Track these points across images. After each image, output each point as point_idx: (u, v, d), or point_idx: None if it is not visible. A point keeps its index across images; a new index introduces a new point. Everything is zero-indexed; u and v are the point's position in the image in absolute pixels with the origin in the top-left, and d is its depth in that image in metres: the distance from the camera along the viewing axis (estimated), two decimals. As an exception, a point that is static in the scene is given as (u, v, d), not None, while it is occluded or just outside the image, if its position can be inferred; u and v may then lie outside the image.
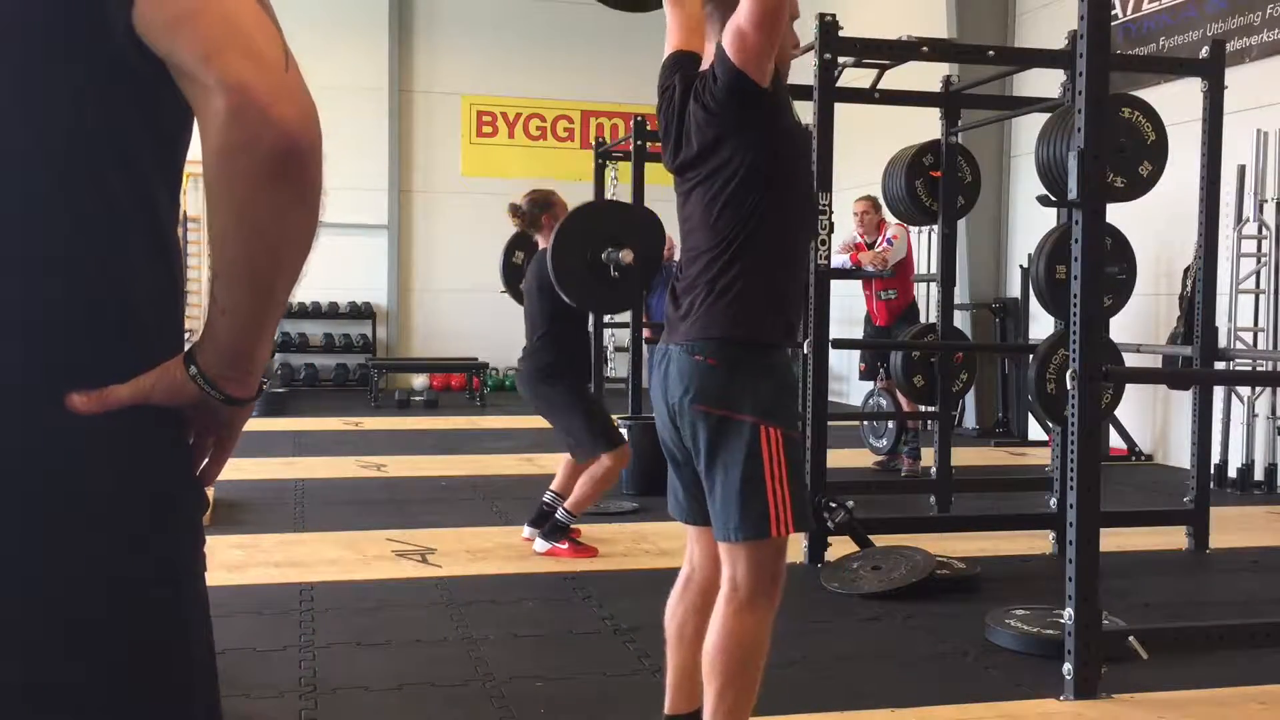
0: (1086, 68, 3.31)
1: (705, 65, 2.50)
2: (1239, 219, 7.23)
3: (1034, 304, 7.08)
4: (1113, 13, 7.13)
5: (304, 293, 12.79)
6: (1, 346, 1.05)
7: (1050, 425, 5.87)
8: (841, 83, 5.24)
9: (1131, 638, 3.41)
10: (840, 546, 4.84)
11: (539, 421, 5.36)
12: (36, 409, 1.05)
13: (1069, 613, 3.29)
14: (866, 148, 8.57)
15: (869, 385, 7.97)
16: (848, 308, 9.31)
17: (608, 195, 8.95)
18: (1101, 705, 3.23)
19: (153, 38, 1.04)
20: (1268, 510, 6.50)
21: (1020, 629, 3.77)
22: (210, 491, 1.24)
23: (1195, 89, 5.11)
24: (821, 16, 4.85)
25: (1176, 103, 6.34)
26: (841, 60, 5.17)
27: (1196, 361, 5.25)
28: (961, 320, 9.14)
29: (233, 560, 4.84)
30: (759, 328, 2.41)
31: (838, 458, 6.10)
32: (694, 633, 2.55)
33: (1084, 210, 3.31)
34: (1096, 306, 3.36)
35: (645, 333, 8.70)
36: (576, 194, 5.84)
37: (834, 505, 4.83)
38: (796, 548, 4.84)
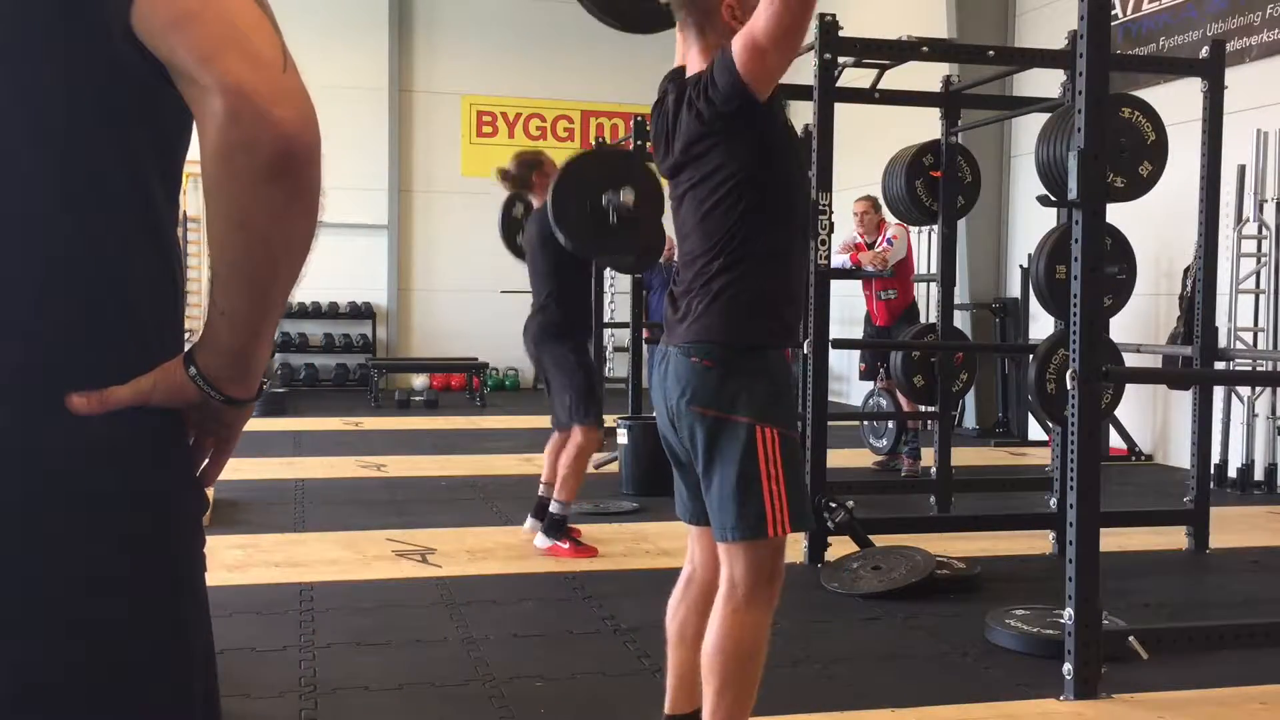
0: (1086, 68, 3.31)
1: (691, 69, 2.50)
2: (1239, 219, 7.23)
3: (1034, 304, 7.08)
4: (1113, 13, 7.13)
5: (304, 293, 12.80)
6: (1, 347, 1.05)
7: (1050, 425, 5.87)
8: (841, 83, 5.24)
9: (1131, 638, 3.41)
10: (840, 546, 4.84)
11: (539, 421, 5.37)
12: (36, 409, 1.05)
13: (1069, 613, 3.29)
14: (866, 148, 8.57)
15: (869, 385, 7.97)
16: (848, 308, 9.31)
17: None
18: (1101, 705, 3.23)
19: (152, 39, 1.04)
20: (1268, 510, 6.50)
21: (1020, 629, 3.77)
22: (210, 491, 1.24)
23: (1195, 89, 5.11)
24: (821, 16, 4.85)
25: (1176, 103, 6.33)
26: (841, 60, 5.17)
27: (1196, 361, 5.25)
28: (961, 320, 9.14)
29: (233, 560, 4.84)
30: (754, 330, 2.41)
31: (838, 458, 6.10)
32: (694, 633, 2.55)
33: (1084, 210, 3.31)
34: (1096, 306, 3.36)
35: (645, 333, 8.72)
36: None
37: (834, 505, 4.83)
38: (796, 548, 4.84)
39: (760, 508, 2.35)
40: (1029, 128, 8.22)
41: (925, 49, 5.22)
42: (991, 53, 5.54)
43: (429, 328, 13.70)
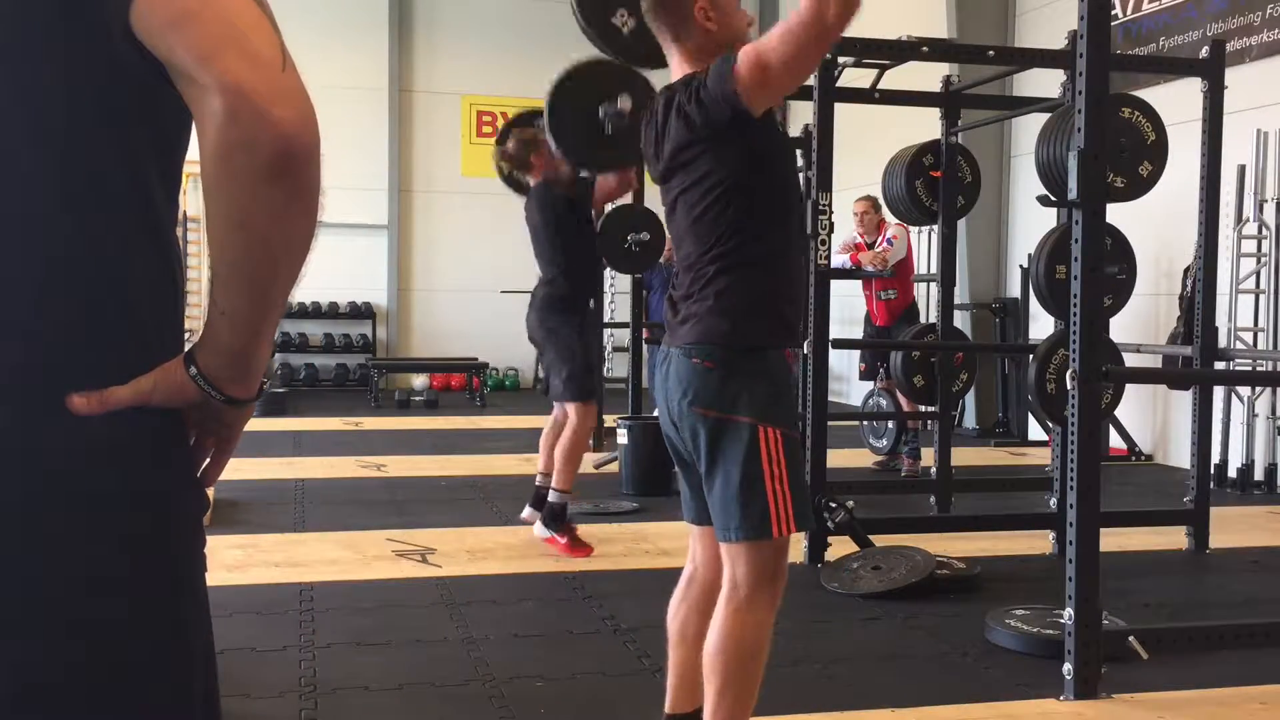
0: (1086, 68, 3.31)
1: (675, 74, 2.50)
2: (1239, 219, 7.23)
3: (1034, 304, 7.08)
4: (1113, 13, 7.13)
5: (304, 293, 12.79)
6: (1, 346, 1.05)
7: (1050, 425, 5.87)
8: (841, 83, 5.24)
9: (1131, 638, 3.41)
10: (840, 546, 4.84)
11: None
12: (36, 409, 1.05)
13: (1069, 613, 3.29)
14: (866, 148, 8.57)
15: (869, 385, 7.97)
16: (848, 308, 9.31)
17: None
18: (1101, 705, 3.23)
19: (151, 39, 1.04)
20: (1268, 510, 6.50)
21: (1020, 629, 3.77)
22: (210, 491, 1.24)
23: (1195, 89, 5.11)
24: (821, 16, 4.84)
25: (1176, 103, 6.33)
26: (841, 60, 5.17)
27: (1196, 361, 5.25)
28: (961, 320, 9.14)
29: (233, 560, 4.84)
30: (754, 331, 2.41)
31: (838, 458, 6.10)
32: (695, 632, 2.55)
33: (1084, 210, 3.31)
34: (1096, 306, 3.36)
35: (645, 333, 8.72)
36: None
37: (834, 505, 4.83)
38: (797, 548, 4.84)
39: (764, 508, 2.35)
40: (1029, 128, 8.22)
41: (925, 49, 5.22)
42: (991, 53, 5.54)
43: (429, 328, 13.70)
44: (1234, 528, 5.74)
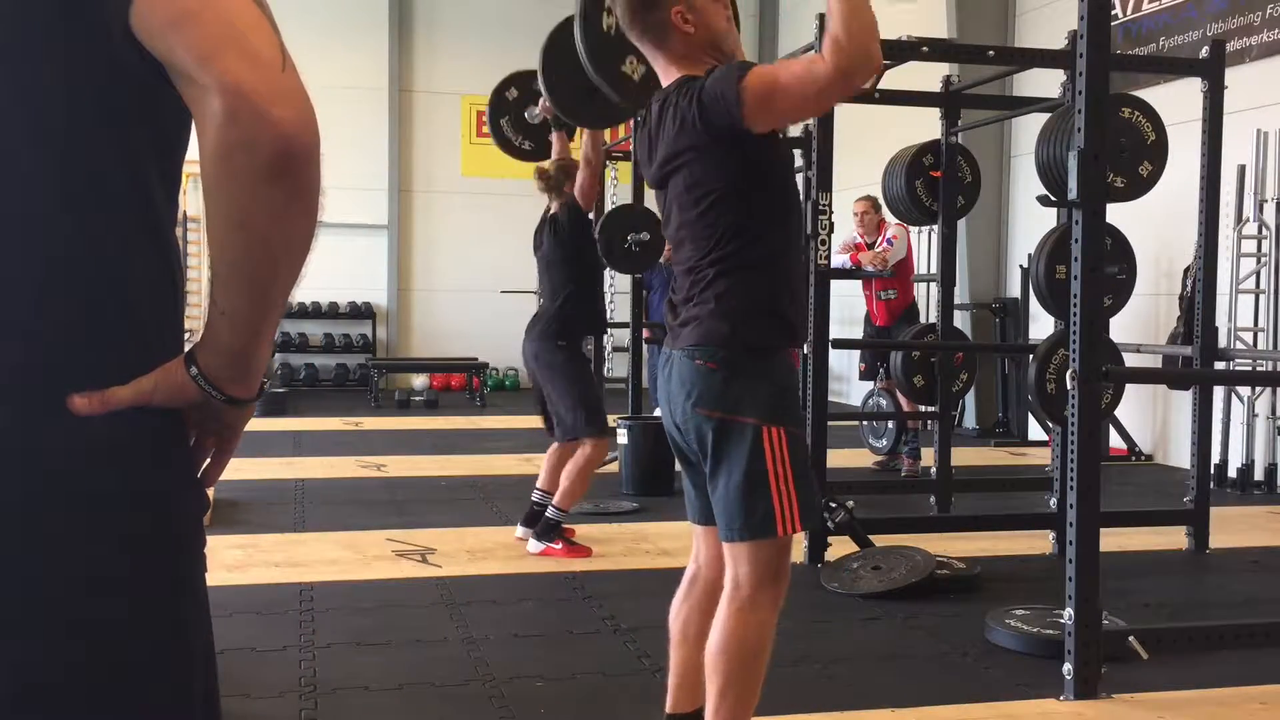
0: (1086, 68, 3.31)
1: (665, 80, 2.50)
2: (1239, 219, 7.23)
3: (1034, 304, 7.08)
4: (1113, 13, 7.13)
5: (304, 293, 12.79)
6: (1, 347, 1.05)
7: (1050, 425, 5.87)
8: (842, 83, 5.22)
9: (1131, 638, 3.41)
10: (840, 546, 4.84)
11: (539, 421, 5.36)
12: (36, 409, 1.05)
13: (1069, 613, 3.29)
14: (866, 148, 8.57)
15: (869, 385, 7.97)
16: (848, 308, 9.30)
17: (608, 195, 8.96)
18: (1101, 705, 3.23)
19: (150, 39, 1.04)
20: (1268, 510, 6.50)
21: (1020, 629, 3.77)
22: (210, 491, 1.24)
23: (1195, 89, 5.11)
24: (821, 16, 4.84)
25: (1176, 103, 6.33)
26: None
27: (1196, 361, 5.25)
28: (961, 320, 9.14)
29: (233, 560, 4.84)
30: (756, 333, 2.41)
31: (838, 458, 6.10)
32: (697, 632, 2.55)
33: (1084, 210, 3.31)
34: (1096, 306, 3.36)
35: (645, 333, 8.72)
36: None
37: (834, 505, 4.83)
38: (797, 548, 4.82)
39: (768, 508, 2.35)
40: (1029, 128, 8.22)
41: (925, 49, 5.21)
42: (991, 53, 5.54)
43: (429, 328, 13.70)
44: (1234, 528, 5.74)
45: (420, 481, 7.11)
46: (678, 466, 2.65)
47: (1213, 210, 5.09)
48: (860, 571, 4.56)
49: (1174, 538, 5.31)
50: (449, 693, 3.32)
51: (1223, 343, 6.47)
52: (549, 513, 5.01)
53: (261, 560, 4.91)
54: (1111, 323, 5.46)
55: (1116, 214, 4.19)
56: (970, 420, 9.79)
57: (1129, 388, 5.71)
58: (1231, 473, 7.14)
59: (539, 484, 5.17)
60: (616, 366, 12.44)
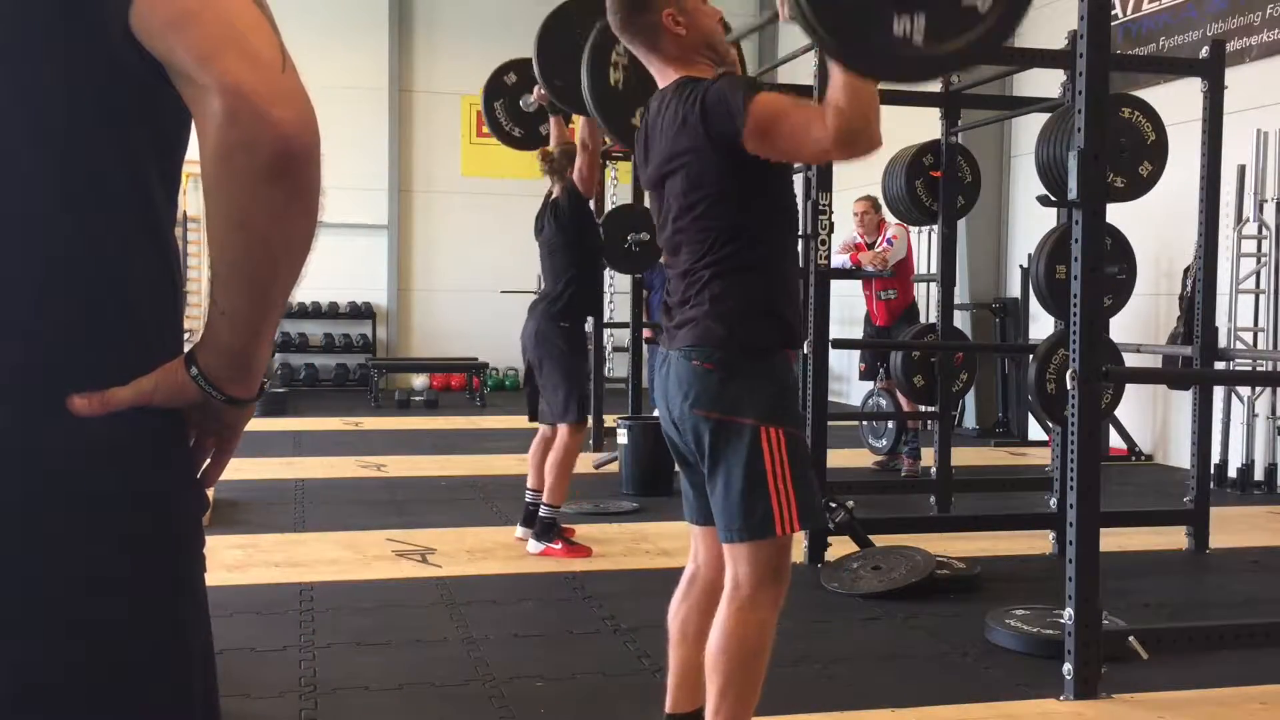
0: (1086, 68, 3.31)
1: (662, 82, 2.50)
2: (1239, 219, 7.23)
3: (1034, 304, 7.08)
4: (1113, 13, 7.13)
5: (304, 293, 12.78)
6: (1, 347, 1.05)
7: (1050, 425, 5.87)
8: (842, 82, 5.22)
9: (1131, 638, 3.41)
10: (840, 546, 4.84)
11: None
12: (36, 409, 1.05)
13: (1069, 613, 3.29)
14: (866, 148, 8.55)
15: (869, 385, 7.97)
16: (848, 308, 9.30)
17: (608, 195, 8.96)
18: (1101, 705, 3.23)
19: (150, 39, 1.04)
20: (1268, 510, 6.50)
21: (1020, 629, 3.77)
22: (210, 492, 1.24)
23: (1195, 89, 5.11)
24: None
25: (1176, 103, 6.33)
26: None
27: (1196, 361, 5.25)
28: (961, 320, 9.14)
29: (233, 560, 4.84)
30: (753, 334, 2.40)
31: (838, 458, 6.10)
32: (696, 632, 2.55)
33: (1084, 210, 3.31)
34: (1096, 306, 3.36)
35: (645, 332, 8.73)
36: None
37: (834, 505, 4.83)
38: (797, 548, 4.83)
39: (767, 508, 2.35)
40: (1029, 128, 8.22)
41: (925, 49, 5.21)
42: (991, 53, 5.53)
43: (429, 328, 13.69)
44: (1234, 528, 5.74)
45: (420, 481, 7.11)
46: (677, 467, 2.65)
47: (1213, 210, 5.09)
48: (860, 571, 4.56)
49: (1174, 538, 5.31)
50: (449, 693, 3.32)
51: (1223, 343, 6.47)
52: (542, 512, 5.02)
53: (261, 560, 4.90)
54: (1111, 323, 5.46)
55: (1116, 214, 4.19)
56: (970, 420, 9.79)
57: (1129, 388, 5.71)
58: (1231, 473, 7.14)
59: (529, 484, 5.20)
60: (617, 366, 12.45)
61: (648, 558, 5.06)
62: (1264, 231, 7.21)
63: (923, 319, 7.76)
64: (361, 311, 13.42)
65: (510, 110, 5.75)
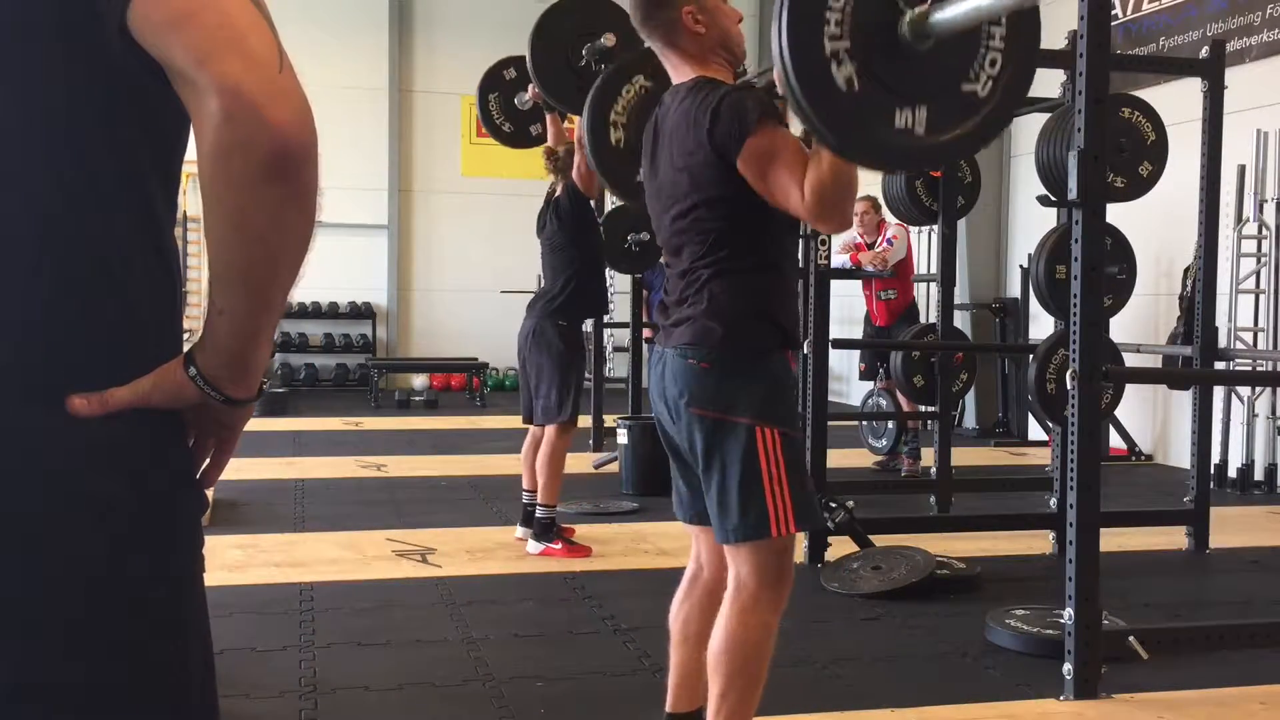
0: (1086, 68, 3.31)
1: (676, 79, 2.51)
2: (1239, 219, 7.23)
3: (1034, 304, 7.08)
4: (1113, 13, 7.13)
5: (304, 293, 12.79)
6: (0, 347, 1.05)
7: (1050, 425, 5.87)
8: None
9: (1131, 638, 3.41)
10: (840, 546, 4.84)
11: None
12: (36, 410, 1.05)
13: (1069, 613, 3.29)
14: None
15: (869, 385, 7.97)
16: (848, 308, 9.31)
17: (608, 196, 8.92)
18: (1101, 705, 3.23)
19: (148, 39, 1.04)
20: (1268, 510, 6.50)
21: (1020, 629, 3.76)
22: (210, 492, 1.24)
23: (1195, 89, 5.10)
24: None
25: (1176, 103, 6.33)
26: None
27: (1196, 361, 5.25)
28: (961, 320, 9.14)
29: (233, 560, 4.83)
30: (750, 335, 2.40)
31: (838, 458, 6.10)
32: (697, 632, 2.55)
33: (1084, 210, 3.31)
34: (1096, 306, 3.36)
35: (645, 332, 8.72)
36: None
37: (834, 505, 4.83)
38: (797, 548, 4.83)
39: (762, 508, 2.35)
40: (1029, 128, 8.21)
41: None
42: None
43: (429, 328, 13.70)
44: (1234, 528, 5.74)
45: (420, 481, 7.11)
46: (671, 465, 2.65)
47: (1213, 210, 5.09)
48: (860, 571, 4.56)
49: (1174, 538, 5.31)
50: (449, 693, 3.31)
51: (1223, 343, 6.47)
52: (538, 512, 5.02)
53: (261, 560, 4.90)
54: (1111, 323, 5.46)
55: (1116, 214, 4.19)
56: (970, 420, 9.79)
57: (1129, 388, 5.71)
58: (1231, 473, 7.14)
59: (525, 485, 5.21)
60: (617, 366, 12.45)
61: (648, 558, 5.06)
62: (1264, 231, 7.21)
63: (923, 319, 7.76)
64: (361, 311, 13.42)
65: (503, 105, 5.76)
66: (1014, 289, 9.78)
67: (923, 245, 9.63)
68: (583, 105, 4.12)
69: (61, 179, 1.07)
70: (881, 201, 6.80)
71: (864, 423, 8.09)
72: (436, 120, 13.66)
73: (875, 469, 7.70)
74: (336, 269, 12.53)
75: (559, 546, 4.98)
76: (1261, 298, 7.25)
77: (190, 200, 9.12)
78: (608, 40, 4.41)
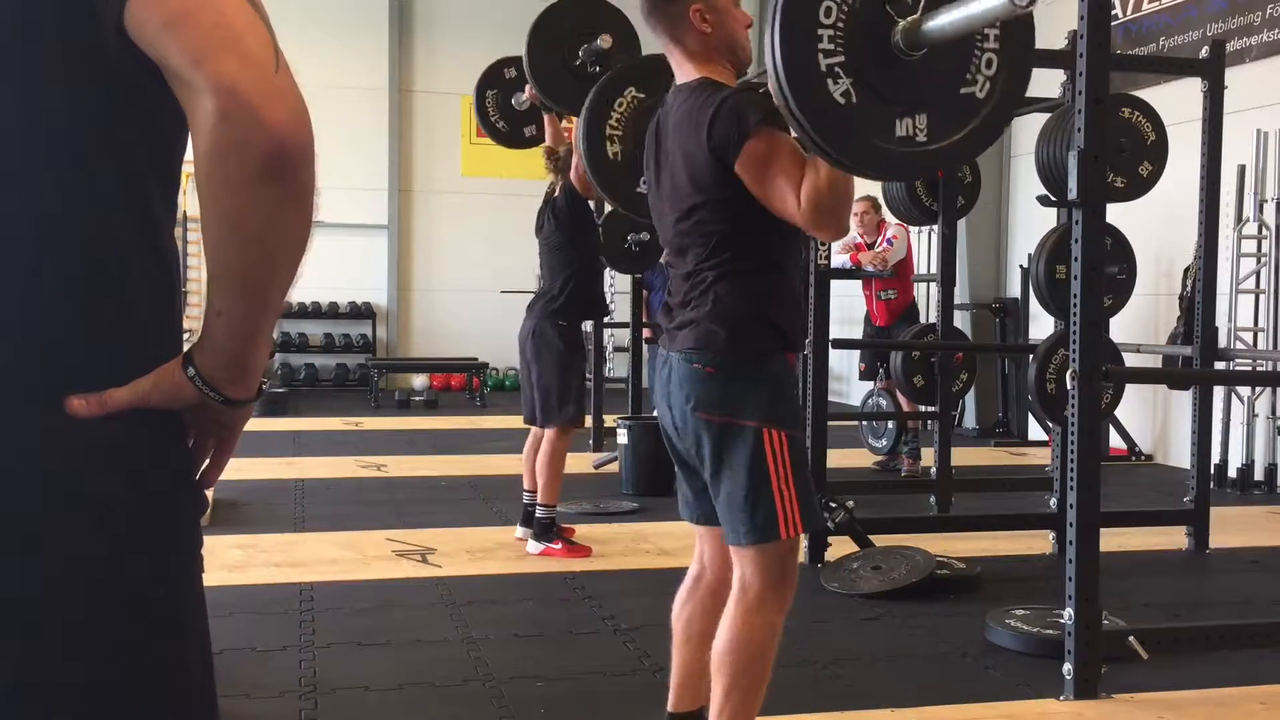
0: (1086, 68, 3.31)
1: (680, 77, 2.50)
2: (1239, 219, 7.23)
3: (1034, 304, 7.08)
4: (1113, 13, 7.12)
5: (304, 293, 12.79)
6: (0, 347, 1.05)
7: (1050, 425, 5.87)
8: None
9: (1131, 638, 3.41)
10: (840, 546, 4.83)
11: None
12: (35, 411, 1.05)
13: (1069, 613, 3.29)
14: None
15: (869, 385, 7.97)
16: (848, 308, 9.30)
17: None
18: (1101, 705, 3.23)
19: (145, 40, 1.04)
20: (1268, 510, 6.50)
21: (1020, 629, 3.76)
22: (209, 492, 1.24)
23: (1195, 89, 5.10)
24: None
25: (1176, 103, 6.33)
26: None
27: (1196, 361, 5.25)
28: (961, 320, 9.14)
29: (233, 560, 4.83)
30: (753, 337, 2.40)
31: (838, 458, 6.10)
32: (700, 632, 2.55)
33: (1084, 210, 3.31)
34: (1096, 306, 3.36)
35: (645, 332, 8.73)
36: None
37: (834, 505, 4.83)
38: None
39: (771, 510, 2.35)
40: (1029, 128, 8.21)
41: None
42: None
43: (429, 328, 13.70)
44: (1234, 528, 5.74)
45: (420, 481, 7.11)
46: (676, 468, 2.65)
47: (1213, 210, 5.09)
48: (860, 571, 4.56)
49: (1174, 538, 5.31)
50: (449, 693, 3.31)
51: (1223, 343, 6.47)
52: (538, 513, 5.02)
53: (261, 560, 4.90)
54: (1111, 323, 5.46)
55: (1116, 214, 4.19)
56: (970, 420, 9.79)
57: (1129, 388, 5.71)
58: (1231, 473, 7.14)
59: (526, 485, 5.21)
60: (617, 366, 12.45)
61: (648, 558, 5.06)
62: (1264, 231, 7.21)
63: (923, 319, 7.76)
64: (361, 311, 13.42)
65: (500, 103, 5.76)
66: (1014, 289, 9.78)
67: (923, 245, 9.63)
68: (579, 106, 4.13)
69: (61, 179, 1.07)
70: (881, 201, 6.80)
71: (864, 423, 8.09)
72: (436, 120, 13.66)
73: (875, 469, 7.70)
74: (336, 269, 12.53)
75: (559, 546, 4.98)
76: (1261, 298, 7.25)
77: (190, 201, 9.12)
78: (604, 42, 4.40)
